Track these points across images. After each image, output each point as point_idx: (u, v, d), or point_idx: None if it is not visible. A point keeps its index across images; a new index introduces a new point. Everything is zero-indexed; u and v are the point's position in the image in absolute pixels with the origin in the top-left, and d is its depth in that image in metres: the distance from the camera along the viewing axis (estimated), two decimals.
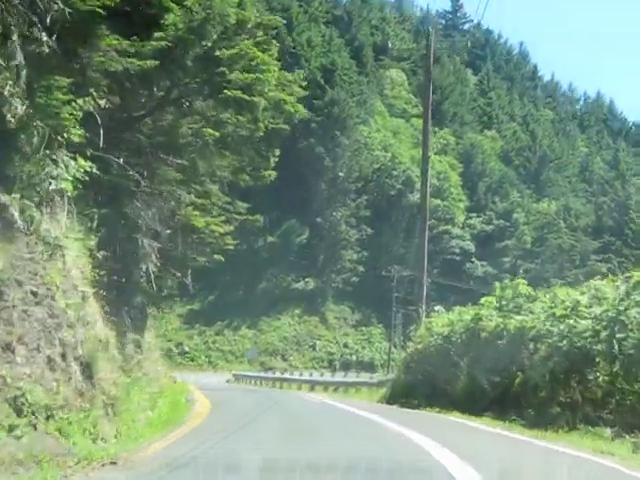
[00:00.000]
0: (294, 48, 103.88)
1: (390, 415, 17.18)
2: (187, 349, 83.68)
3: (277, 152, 24.83)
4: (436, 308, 23.87)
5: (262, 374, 52.59)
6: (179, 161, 18.60)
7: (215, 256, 32.63)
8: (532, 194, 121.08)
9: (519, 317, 17.22)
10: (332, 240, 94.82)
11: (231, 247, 33.20)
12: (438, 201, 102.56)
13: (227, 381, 54.60)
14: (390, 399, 23.11)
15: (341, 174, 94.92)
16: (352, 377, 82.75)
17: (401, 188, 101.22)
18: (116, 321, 16.73)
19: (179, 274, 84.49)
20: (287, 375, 49.64)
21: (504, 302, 19.09)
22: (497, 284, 20.57)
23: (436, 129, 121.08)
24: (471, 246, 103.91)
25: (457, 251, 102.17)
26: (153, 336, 25.24)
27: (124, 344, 15.87)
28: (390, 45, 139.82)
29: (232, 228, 32.13)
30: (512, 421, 14.67)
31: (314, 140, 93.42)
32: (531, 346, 15.80)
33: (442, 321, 22.41)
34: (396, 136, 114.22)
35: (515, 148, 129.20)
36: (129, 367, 14.83)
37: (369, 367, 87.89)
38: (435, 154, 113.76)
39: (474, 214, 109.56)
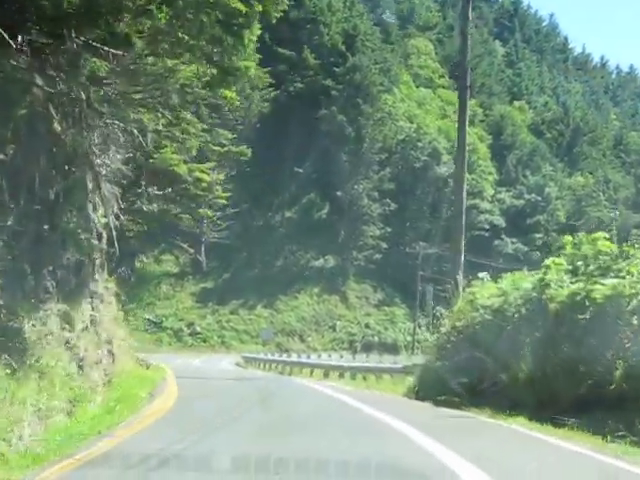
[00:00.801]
0: (313, 13, 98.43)
1: (426, 424, 11.93)
2: (199, 329, 78.87)
3: (257, 33, 18.39)
4: (480, 275, 18.54)
5: (271, 357, 47.38)
6: (117, 52, 13.14)
7: (200, 210, 26.66)
8: (564, 168, 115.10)
9: (609, 281, 11.93)
10: (353, 215, 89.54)
11: (223, 200, 27.24)
12: (466, 174, 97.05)
13: (236, 364, 49.66)
14: (420, 392, 17.92)
15: (364, 145, 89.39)
16: (374, 359, 78.01)
17: (427, 160, 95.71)
18: (32, 285, 11.64)
19: (192, 250, 79.03)
20: (301, 359, 44.25)
21: (579, 263, 13.82)
22: (566, 239, 15.30)
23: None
24: (501, 221, 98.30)
25: (486, 227, 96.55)
26: (113, 310, 20.06)
27: (39, 317, 10.72)
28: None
29: (222, 177, 26.40)
30: (621, 437, 9.37)
31: (335, 109, 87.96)
32: (635, 321, 10.54)
33: (489, 291, 17.21)
34: (421, 107, 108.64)
35: (546, 120, 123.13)
36: (30, 351, 9.67)
37: (392, 349, 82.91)
38: None
39: (503, 188, 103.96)
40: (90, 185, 16.13)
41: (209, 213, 30.85)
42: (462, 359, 15.96)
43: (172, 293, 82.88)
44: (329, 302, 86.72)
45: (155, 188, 25.31)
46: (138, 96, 15.59)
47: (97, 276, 15.81)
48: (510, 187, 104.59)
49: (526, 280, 15.18)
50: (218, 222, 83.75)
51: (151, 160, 22.45)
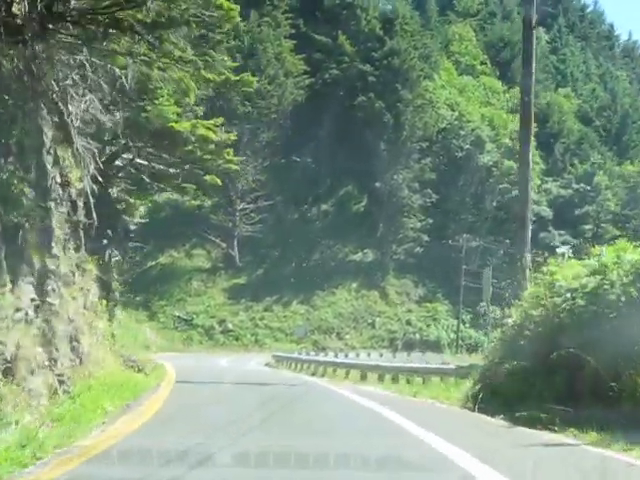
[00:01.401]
0: None
1: (515, 463, 7.71)
2: (231, 327, 75.15)
3: None
4: (560, 250, 14.33)
5: (304, 356, 43.29)
6: None
7: (207, 177, 22.71)
8: (613, 156, 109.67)
9: None
10: (393, 207, 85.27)
11: (234, 166, 23.31)
12: (511, 162, 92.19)
13: (266, 364, 45.78)
14: (483, 403, 13.73)
15: (404, 133, 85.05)
16: (416, 358, 73.69)
17: (470, 149, 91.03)
18: None
19: (224, 245, 75.39)
20: (337, 358, 39.92)
21: None
22: None
23: (507, 87, 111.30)
24: (548, 212, 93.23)
25: (532, 218, 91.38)
26: (90, 297, 16.16)
27: None
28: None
29: (234, 136, 22.35)
30: None
31: (373, 95, 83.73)
32: None
33: (573, 270, 13.03)
34: (463, 94, 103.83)
35: (594, 108, 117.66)
36: None
37: (434, 347, 78.67)
38: (508, 112, 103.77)
39: (550, 178, 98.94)
40: (50, 134, 12.15)
41: (218, 181, 26.26)
42: (544, 358, 11.80)
43: (203, 289, 79.30)
44: (368, 298, 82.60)
45: (150, 150, 21.52)
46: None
47: (56, 251, 11.95)
48: (557, 177, 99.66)
49: (636, 251, 11.06)
50: (251, 215, 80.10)
51: (144, 115, 18.52)
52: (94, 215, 15.29)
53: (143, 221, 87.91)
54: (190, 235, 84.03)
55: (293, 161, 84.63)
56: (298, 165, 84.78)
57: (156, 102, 18.70)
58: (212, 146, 22.62)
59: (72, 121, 13.20)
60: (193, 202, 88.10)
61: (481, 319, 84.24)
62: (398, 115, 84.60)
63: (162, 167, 23.18)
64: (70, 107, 13.22)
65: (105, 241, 22.64)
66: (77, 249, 14.14)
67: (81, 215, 14.26)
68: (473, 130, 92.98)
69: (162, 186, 26.78)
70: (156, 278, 79.73)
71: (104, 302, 19.33)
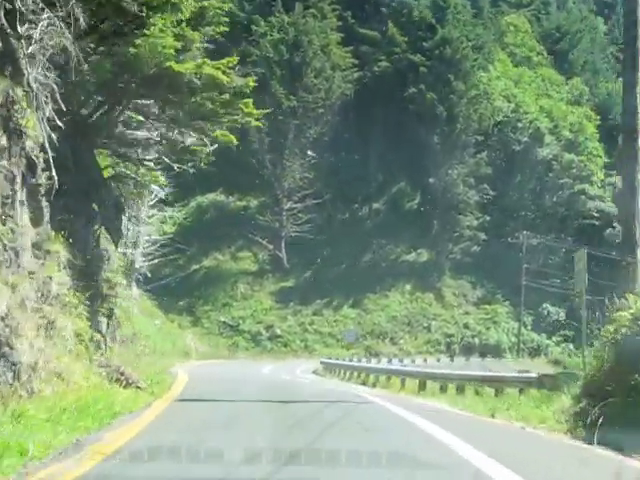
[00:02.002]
0: None
1: None
2: (279, 332, 71.45)
3: None
4: None
5: (354, 363, 39.11)
6: None
7: (219, 133, 18.45)
8: None
9: None
10: (448, 204, 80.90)
11: (255, 121, 19.15)
12: (572, 156, 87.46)
13: (313, 372, 41.96)
14: (604, 429, 9.62)
15: (457, 126, 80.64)
16: (476, 363, 69.30)
17: (528, 142, 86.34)
18: None
19: (271, 246, 71.59)
20: (391, 365, 35.61)
21: None
22: None
23: (566, 78, 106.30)
24: (613, 208, 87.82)
25: (595, 214, 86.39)
26: (50, 288, 12.24)
27: None
28: None
29: (253, 82, 18.02)
30: None
31: (424, 87, 79.54)
32: None
33: None
34: (519, 85, 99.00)
35: None
36: None
37: (494, 351, 74.24)
38: (568, 104, 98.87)
39: (614, 171, 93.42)
40: None
41: (233, 139, 21.97)
42: None
43: (250, 293, 75.75)
44: (423, 300, 78.31)
45: (142, 100, 17.51)
46: None
47: None
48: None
49: None
50: (299, 214, 76.39)
51: (132, 50, 14.59)
52: (54, 174, 11.47)
53: (186, 222, 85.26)
54: (236, 237, 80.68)
55: (342, 157, 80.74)
56: (347, 162, 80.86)
57: (147, 32, 14.57)
58: (226, 95, 18.31)
59: (23, 46, 9.50)
60: (239, 203, 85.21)
61: (543, 321, 79.59)
62: (451, 107, 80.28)
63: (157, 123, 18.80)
64: (20, 27, 9.51)
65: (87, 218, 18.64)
66: (36, 222, 10.49)
67: (42, 177, 10.54)
68: (531, 122, 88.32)
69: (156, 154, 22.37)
70: (200, 282, 76.45)
71: (77, 294, 15.21)
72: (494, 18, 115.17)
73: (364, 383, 27.62)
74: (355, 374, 30.99)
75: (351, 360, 49.51)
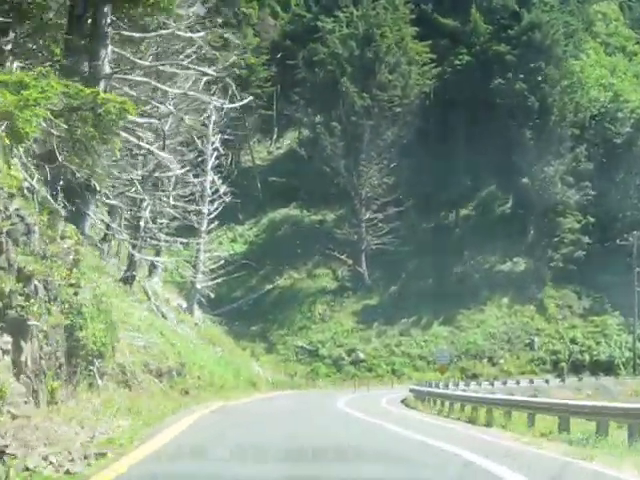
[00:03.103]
0: None
1: None
2: (362, 356, 64.05)
3: None
4: None
5: (453, 391, 30.88)
6: None
7: None
8: None
9: None
10: (545, 206, 72.65)
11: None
12: None
13: (402, 402, 34.52)
14: None
15: (552, 117, 72.31)
16: (588, 383, 60.77)
17: (630, 133, 77.41)
18: None
19: (350, 261, 63.95)
20: (498, 393, 27.48)
21: None
22: None
23: None
24: None
25: None
26: None
27: None
28: None
29: None
30: None
31: (512, 75, 71.61)
32: None
33: None
34: (614, 74, 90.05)
35: None
36: None
37: (607, 368, 65.38)
38: None
39: None
40: None
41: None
42: None
43: (329, 314, 68.59)
44: (523, 314, 69.95)
45: None
46: None
47: None
48: None
49: None
50: (379, 225, 69.14)
51: None
52: None
53: (257, 240, 78.87)
54: (312, 253, 73.84)
55: (424, 160, 73.30)
56: (430, 164, 73.37)
57: None
58: None
59: None
60: (314, 217, 78.39)
61: None
62: (544, 97, 72.16)
63: None
64: None
65: None
66: None
67: None
68: (632, 112, 79.32)
69: None
70: (274, 304, 69.70)
71: None
72: (581, 7, 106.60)
73: (472, 421, 20.10)
74: (457, 406, 23.48)
75: (447, 386, 41.87)
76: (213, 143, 52.80)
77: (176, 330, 39.54)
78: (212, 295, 53.48)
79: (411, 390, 35.89)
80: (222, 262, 70.66)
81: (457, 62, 77.01)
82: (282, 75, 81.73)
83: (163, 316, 40.26)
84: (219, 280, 54.79)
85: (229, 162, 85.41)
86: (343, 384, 59.19)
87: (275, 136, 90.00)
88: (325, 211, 77.84)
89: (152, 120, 24.85)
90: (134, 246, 41.48)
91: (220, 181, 53.10)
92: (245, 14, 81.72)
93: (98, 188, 20.43)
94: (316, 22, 78.63)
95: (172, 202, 41.60)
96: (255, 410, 25.68)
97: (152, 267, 55.60)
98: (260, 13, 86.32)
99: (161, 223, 42.52)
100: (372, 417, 20.60)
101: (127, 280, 40.58)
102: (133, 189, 34.45)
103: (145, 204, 40.59)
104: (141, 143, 21.30)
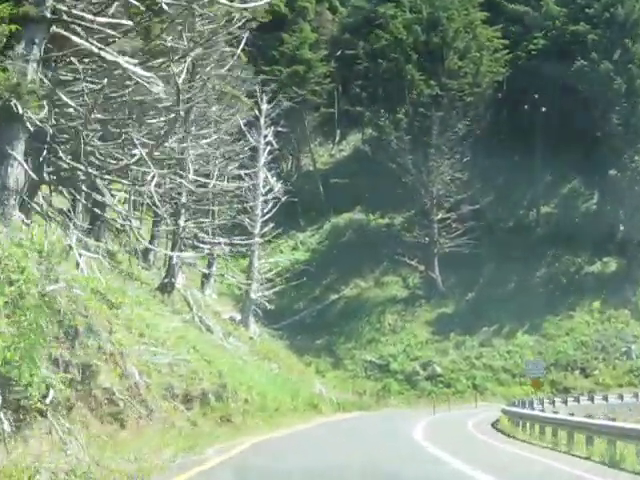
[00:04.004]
0: None
1: None
2: (439, 370, 57.62)
3: None
4: None
5: (550, 415, 23.91)
6: None
7: None
8: None
9: None
10: (636, 199, 65.31)
11: None
12: None
13: (494, 425, 28.31)
14: None
15: None
16: None
17: None
18: None
19: (422, 267, 57.93)
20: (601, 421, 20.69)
21: None
22: None
23: None
24: None
25: None
26: None
27: None
28: None
29: None
30: None
31: (595, 55, 64.70)
32: None
33: None
34: None
35: None
36: None
37: None
38: None
39: None
40: None
41: None
42: None
43: (400, 324, 62.35)
44: (617, 319, 62.67)
45: None
46: None
47: None
48: None
49: None
50: (452, 226, 62.85)
51: None
52: None
53: (320, 247, 73.12)
54: (379, 259, 67.77)
55: (499, 154, 66.80)
56: (506, 158, 66.77)
57: None
58: None
59: None
60: (380, 220, 72.37)
61: None
62: (632, 79, 65.03)
63: None
64: None
65: None
66: None
67: None
68: None
69: None
70: (340, 315, 63.75)
71: None
72: None
73: (612, 463, 13.91)
74: (572, 436, 17.25)
75: (538, 404, 35.40)
76: (265, 136, 47.44)
77: (222, 345, 33.98)
78: (269, 306, 47.95)
79: (505, 412, 29.50)
80: (279, 269, 65.38)
81: (531, 47, 70.37)
82: (342, 70, 76.09)
83: (208, 330, 34.73)
84: (276, 289, 49.29)
85: (289, 166, 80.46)
86: (418, 402, 52.95)
87: (337, 138, 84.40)
88: (392, 214, 71.72)
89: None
90: (173, 247, 36.18)
91: (274, 178, 47.62)
92: (302, 8, 76.62)
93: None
94: (376, 12, 72.84)
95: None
96: (299, 447, 19.67)
97: (205, 278, 50.57)
98: (318, 8, 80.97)
99: (203, 222, 37.13)
100: (462, 459, 14.50)
101: (165, 288, 35.24)
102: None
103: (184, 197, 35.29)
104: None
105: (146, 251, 47.42)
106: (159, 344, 22.72)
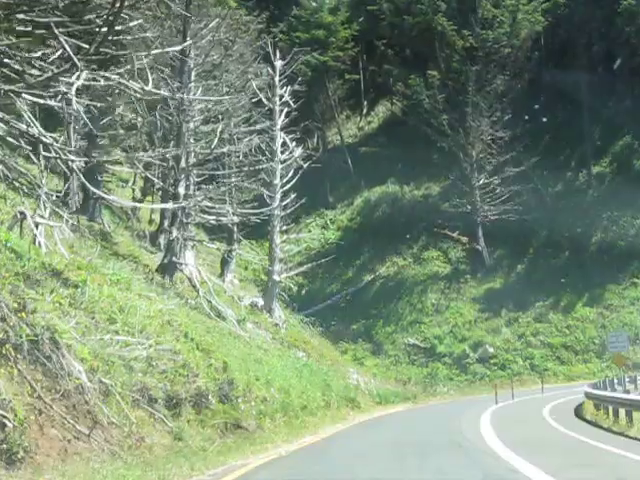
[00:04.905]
0: None
1: None
2: (491, 351, 51.48)
3: None
4: None
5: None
6: None
7: None
8: None
9: None
10: None
11: None
12: None
13: (577, 414, 22.34)
14: None
15: None
16: None
17: None
18: None
19: (465, 239, 53.85)
20: None
21: None
22: None
23: None
24: None
25: None
26: None
27: None
28: None
29: None
30: None
31: None
32: None
33: None
34: None
35: None
36: None
37: None
38: None
39: None
40: None
41: None
42: None
43: (444, 303, 56.35)
44: None
45: None
46: None
47: None
48: None
49: None
50: (496, 191, 56.82)
51: None
52: None
53: (352, 224, 67.31)
54: (417, 234, 61.92)
55: (542, 110, 60.46)
56: (551, 114, 60.46)
57: None
58: None
59: None
60: (416, 191, 66.39)
61: None
62: None
63: None
64: None
65: None
66: None
67: None
68: None
69: None
70: (377, 297, 57.89)
71: None
72: None
73: None
74: None
75: (620, 383, 29.47)
76: (282, 97, 41.65)
77: (236, 334, 28.29)
78: (294, 287, 42.38)
79: (589, 395, 23.45)
80: (305, 247, 59.70)
81: None
82: (366, 35, 70.10)
83: (219, 316, 29.07)
84: (303, 268, 43.66)
85: (315, 142, 74.74)
86: (471, 388, 47.02)
87: (365, 110, 78.45)
88: (428, 183, 65.69)
89: None
90: (172, 221, 30.59)
91: (294, 143, 41.89)
92: None
93: None
94: None
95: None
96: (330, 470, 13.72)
97: (225, 262, 45.27)
98: None
99: (208, 190, 31.45)
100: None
101: (165, 269, 29.66)
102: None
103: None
104: None
105: (155, 235, 42.13)
106: (136, 332, 17.13)
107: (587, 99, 61.39)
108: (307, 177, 42.20)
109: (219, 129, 30.30)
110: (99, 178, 34.96)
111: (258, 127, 37.53)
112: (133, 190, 47.36)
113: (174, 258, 29.34)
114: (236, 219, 32.62)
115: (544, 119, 61.41)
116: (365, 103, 78.50)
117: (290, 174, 40.80)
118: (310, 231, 62.84)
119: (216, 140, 29.88)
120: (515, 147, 57.72)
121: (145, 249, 37.47)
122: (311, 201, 63.12)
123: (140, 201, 41.19)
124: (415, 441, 18.13)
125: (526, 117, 60.31)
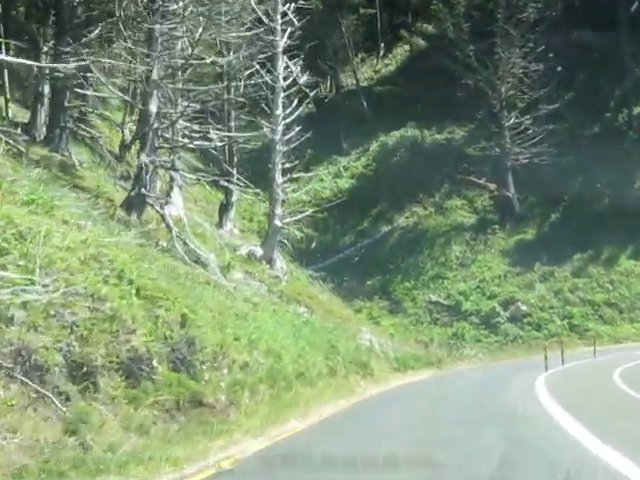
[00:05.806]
0: None
1: None
2: (524, 309, 45.66)
3: None
4: None
5: None
6: None
7: None
8: None
9: None
10: None
11: None
12: None
13: None
14: None
15: None
16: None
17: None
18: None
19: (492, 185, 47.38)
20: None
21: None
22: None
23: None
24: None
25: None
26: None
27: None
28: None
29: None
30: None
31: None
32: None
33: None
34: None
35: None
36: None
37: None
38: None
39: None
40: None
41: None
42: None
43: (470, 256, 50.64)
44: None
45: None
46: None
47: None
48: None
49: None
50: (528, 132, 50.88)
51: None
52: None
53: (367, 171, 61.62)
54: (440, 181, 56.29)
55: (579, 41, 54.32)
56: (588, 46, 54.21)
57: None
58: None
59: None
60: (437, 135, 60.50)
61: None
62: None
63: None
64: None
65: None
66: None
67: None
68: None
69: None
70: (396, 249, 52.31)
71: None
72: None
73: None
74: None
75: None
76: (284, 14, 35.85)
77: (217, 283, 22.75)
78: (299, 236, 36.89)
79: None
80: (314, 195, 54.53)
81: None
82: None
83: (196, 262, 23.54)
84: (308, 212, 38.08)
85: (329, 84, 69.08)
86: (504, 351, 41.47)
87: (382, 52, 72.29)
88: (452, 126, 59.71)
89: None
90: (142, 145, 24.96)
91: (298, 68, 36.15)
92: None
93: None
94: None
95: None
96: None
97: (223, 209, 40.05)
98: None
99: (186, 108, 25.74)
100: None
101: (132, 205, 24.10)
102: None
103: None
104: None
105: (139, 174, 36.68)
106: (37, 268, 11.50)
107: (628, 30, 55.12)
108: (319, 123, 36.82)
109: (198, 32, 24.49)
110: (66, 104, 29.74)
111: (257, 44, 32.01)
112: (122, 131, 41.88)
113: (143, 190, 23.72)
114: (220, 143, 26.90)
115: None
116: (382, 45, 72.41)
117: (294, 103, 35.32)
118: (322, 180, 57.27)
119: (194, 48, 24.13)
120: (548, 83, 51.49)
121: (122, 187, 32.03)
122: (323, 148, 57.61)
123: (129, 145, 35.66)
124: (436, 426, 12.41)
125: (560, 48, 54.07)
